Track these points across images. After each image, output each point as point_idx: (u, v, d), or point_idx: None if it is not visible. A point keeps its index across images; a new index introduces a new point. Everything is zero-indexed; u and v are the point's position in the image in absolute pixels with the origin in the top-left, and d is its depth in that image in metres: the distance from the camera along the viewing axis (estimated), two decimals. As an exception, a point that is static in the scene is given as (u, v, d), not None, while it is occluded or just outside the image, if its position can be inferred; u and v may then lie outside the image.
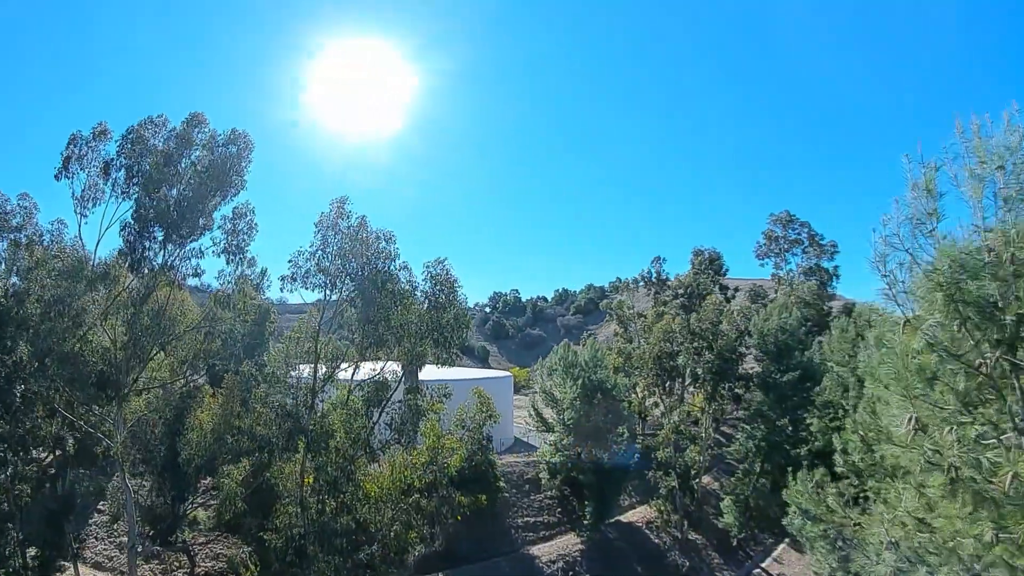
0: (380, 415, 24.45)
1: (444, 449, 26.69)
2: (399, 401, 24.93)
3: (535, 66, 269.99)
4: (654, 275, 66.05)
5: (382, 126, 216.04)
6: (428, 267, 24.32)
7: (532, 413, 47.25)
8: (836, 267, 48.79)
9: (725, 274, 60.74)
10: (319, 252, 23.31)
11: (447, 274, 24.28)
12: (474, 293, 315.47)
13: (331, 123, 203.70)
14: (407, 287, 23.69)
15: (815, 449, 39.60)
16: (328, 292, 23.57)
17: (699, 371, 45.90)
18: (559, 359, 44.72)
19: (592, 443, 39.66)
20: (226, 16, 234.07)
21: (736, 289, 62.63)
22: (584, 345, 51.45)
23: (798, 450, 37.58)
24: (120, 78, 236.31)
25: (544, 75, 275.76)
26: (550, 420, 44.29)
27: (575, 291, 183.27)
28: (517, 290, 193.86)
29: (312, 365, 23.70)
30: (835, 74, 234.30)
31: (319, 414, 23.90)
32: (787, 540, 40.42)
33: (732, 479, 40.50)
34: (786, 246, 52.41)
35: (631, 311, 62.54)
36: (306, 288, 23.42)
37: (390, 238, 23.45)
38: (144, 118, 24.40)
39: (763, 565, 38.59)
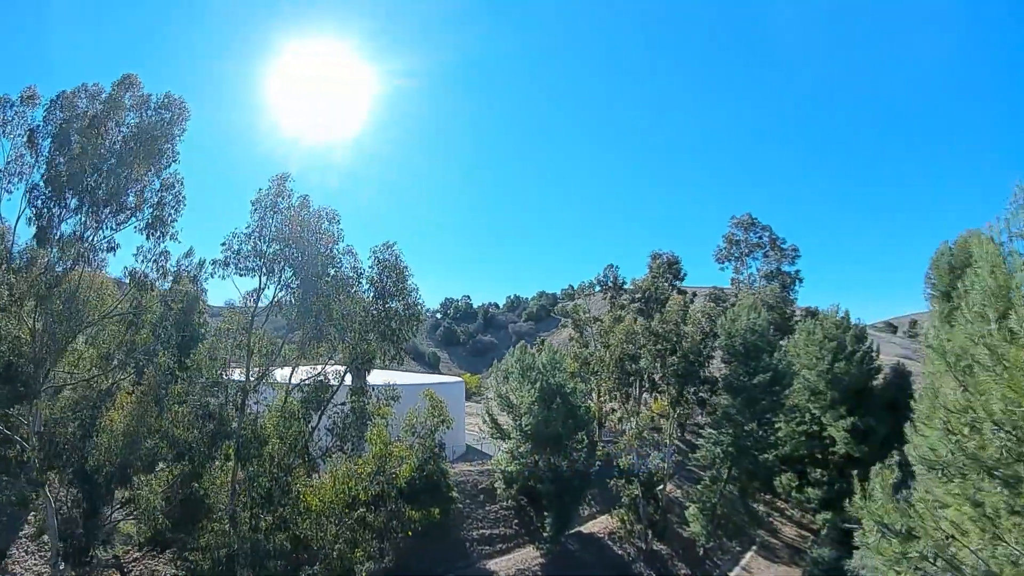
0: (320, 419, 21.72)
1: (393, 457, 24.17)
2: (342, 403, 22.20)
3: (490, 68, 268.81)
4: (610, 280, 64.37)
5: (342, 127, 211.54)
6: (375, 252, 21.79)
7: (486, 419, 44.66)
8: (798, 271, 47.89)
9: (683, 278, 59.37)
10: (255, 234, 20.62)
11: (396, 260, 21.77)
12: (426, 298, 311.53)
13: (290, 124, 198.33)
14: (351, 274, 21.05)
15: (783, 454, 38.33)
16: (264, 278, 20.79)
17: (663, 375, 44.20)
18: (515, 361, 42.29)
19: (551, 450, 37.27)
20: (182, 13, 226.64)
21: (694, 294, 61.38)
22: (540, 349, 49.43)
23: (767, 455, 36.12)
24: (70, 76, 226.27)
25: (500, 77, 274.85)
26: (506, 427, 41.79)
27: (527, 298, 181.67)
28: (468, 296, 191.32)
29: (245, 361, 20.90)
30: (798, 78, 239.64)
31: (251, 417, 21.06)
32: (754, 547, 38.84)
33: (698, 487, 38.74)
34: (747, 250, 51.26)
35: (587, 315, 60.70)
36: (239, 273, 20.67)
37: (333, 218, 20.85)
38: (79, 85, 21.31)
39: (731, 574, 36.85)
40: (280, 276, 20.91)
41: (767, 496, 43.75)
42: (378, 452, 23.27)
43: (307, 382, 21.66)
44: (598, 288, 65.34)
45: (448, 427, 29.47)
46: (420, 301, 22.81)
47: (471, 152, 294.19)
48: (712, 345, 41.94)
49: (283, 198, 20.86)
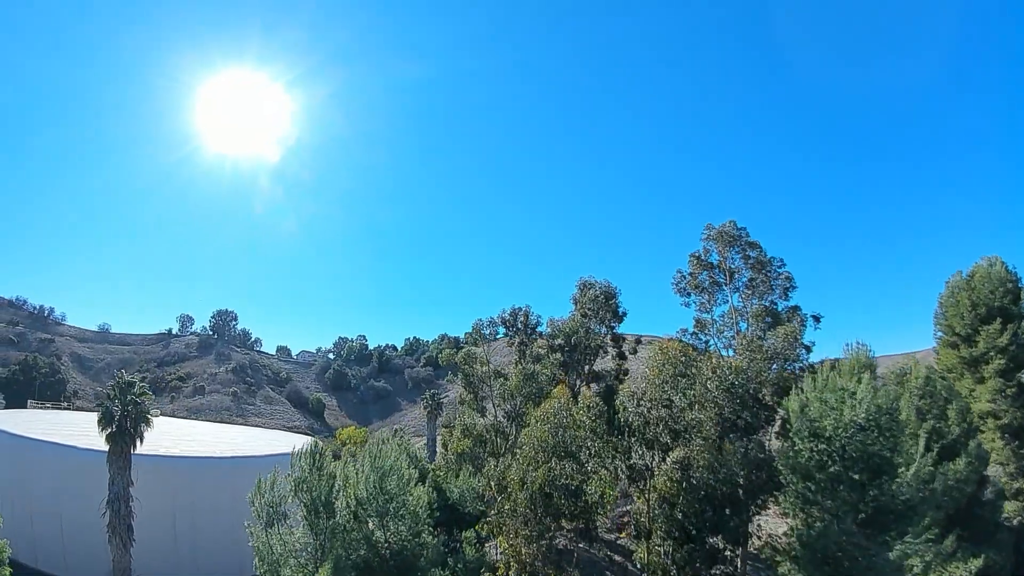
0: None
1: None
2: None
3: (398, 96, 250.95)
4: (520, 320, 45.51)
5: (264, 153, 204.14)
6: None
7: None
8: (796, 308, 30.48)
9: (623, 318, 41.44)
10: None
11: None
12: (317, 338, 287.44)
13: (213, 151, 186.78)
14: None
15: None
16: None
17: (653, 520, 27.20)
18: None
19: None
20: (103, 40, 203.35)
21: (638, 342, 43.27)
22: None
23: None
24: None
25: (411, 106, 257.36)
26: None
27: (427, 340, 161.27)
28: (364, 336, 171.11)
29: None
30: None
31: None
32: None
33: None
34: (725, 275, 33.72)
35: (485, 368, 41.56)
36: None
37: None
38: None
39: None
40: None
41: None
42: None
43: None
44: (501, 331, 46.40)
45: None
46: None
47: (380, 179, 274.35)
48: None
49: None
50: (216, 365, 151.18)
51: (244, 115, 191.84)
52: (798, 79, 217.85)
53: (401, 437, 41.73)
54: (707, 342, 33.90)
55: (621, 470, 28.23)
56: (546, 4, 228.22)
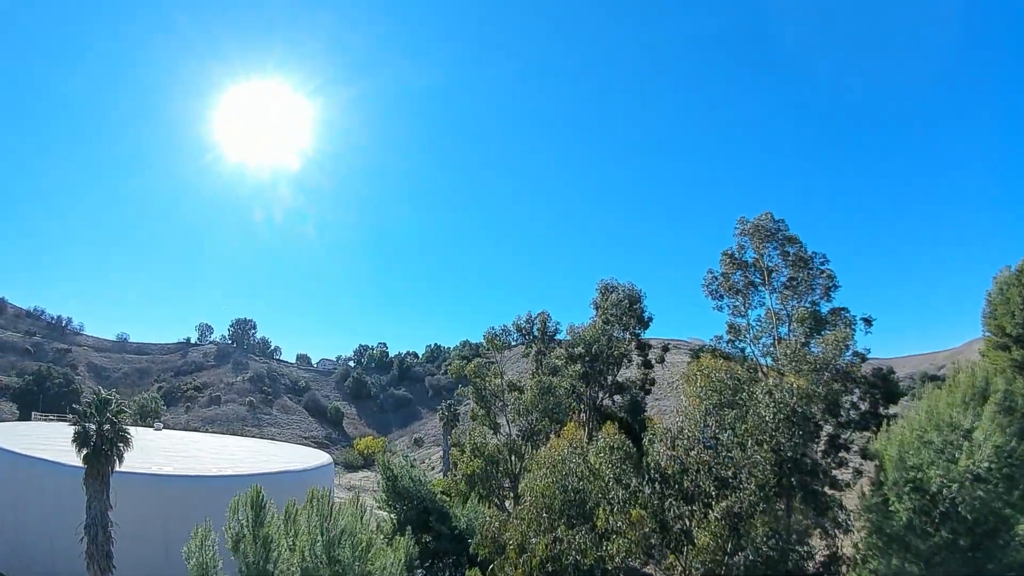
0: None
1: None
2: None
3: (421, 103, 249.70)
4: (537, 327, 42.39)
5: (284, 161, 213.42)
6: None
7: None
8: (866, 317, 27.03)
9: (649, 324, 38.17)
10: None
11: None
12: (338, 346, 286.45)
13: (233, 160, 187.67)
14: None
15: None
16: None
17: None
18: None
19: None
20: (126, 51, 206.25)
21: (665, 348, 39.96)
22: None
23: None
24: None
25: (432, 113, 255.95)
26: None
27: (449, 347, 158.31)
28: (385, 344, 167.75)
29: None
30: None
31: None
32: None
33: None
34: (758, 277, 30.45)
35: (499, 381, 38.57)
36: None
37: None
38: None
39: None
40: None
41: None
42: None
43: None
44: (516, 338, 43.21)
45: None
46: None
47: (404, 187, 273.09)
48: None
49: None
50: (233, 374, 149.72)
51: (263, 124, 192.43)
52: (813, 79, 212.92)
53: (405, 456, 38.89)
54: (743, 349, 30.67)
55: (650, 529, 21.41)
56: (558, 8, 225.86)
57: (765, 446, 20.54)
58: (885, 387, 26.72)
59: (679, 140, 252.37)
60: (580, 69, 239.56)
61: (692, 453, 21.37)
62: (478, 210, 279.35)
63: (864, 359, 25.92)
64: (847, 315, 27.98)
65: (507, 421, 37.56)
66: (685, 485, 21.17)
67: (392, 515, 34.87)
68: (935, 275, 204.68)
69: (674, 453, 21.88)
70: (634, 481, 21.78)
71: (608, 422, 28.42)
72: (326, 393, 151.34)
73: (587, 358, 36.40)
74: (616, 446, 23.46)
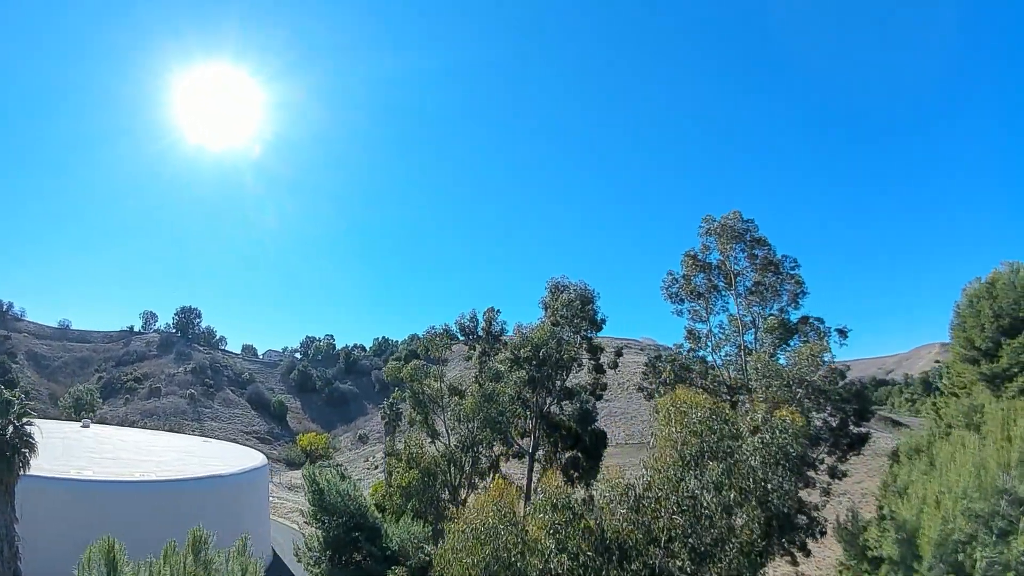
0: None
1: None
2: None
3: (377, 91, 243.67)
4: (481, 326, 39.12)
5: (238, 148, 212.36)
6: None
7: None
8: (841, 328, 24.34)
9: (602, 326, 35.23)
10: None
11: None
12: (288, 337, 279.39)
13: (186, 145, 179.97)
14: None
15: None
16: None
17: None
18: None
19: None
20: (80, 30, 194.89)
21: (619, 353, 37.01)
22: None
23: None
24: None
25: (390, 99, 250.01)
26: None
27: (397, 341, 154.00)
28: (332, 336, 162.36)
29: None
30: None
31: None
32: None
33: None
34: (723, 281, 27.67)
35: (438, 385, 35.24)
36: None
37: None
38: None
39: None
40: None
41: None
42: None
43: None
44: (460, 337, 39.84)
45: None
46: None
47: (362, 176, 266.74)
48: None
49: None
50: (175, 365, 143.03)
51: (219, 109, 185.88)
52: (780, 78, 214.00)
53: (336, 466, 35.19)
54: (704, 358, 27.94)
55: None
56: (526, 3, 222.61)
57: (753, 500, 16.70)
58: (859, 403, 24.22)
59: (641, 135, 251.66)
60: (544, 61, 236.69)
61: (662, 519, 16.59)
62: (434, 203, 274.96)
63: (843, 376, 23.34)
64: (820, 325, 25.44)
65: (447, 429, 34.28)
66: (653, 559, 16.60)
67: (320, 531, 31.60)
68: (886, 280, 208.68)
69: (638, 517, 16.98)
70: (583, 554, 16.51)
71: (549, 471, 25.02)
72: (271, 386, 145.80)
73: (534, 362, 33.31)
74: (561, 505, 17.52)
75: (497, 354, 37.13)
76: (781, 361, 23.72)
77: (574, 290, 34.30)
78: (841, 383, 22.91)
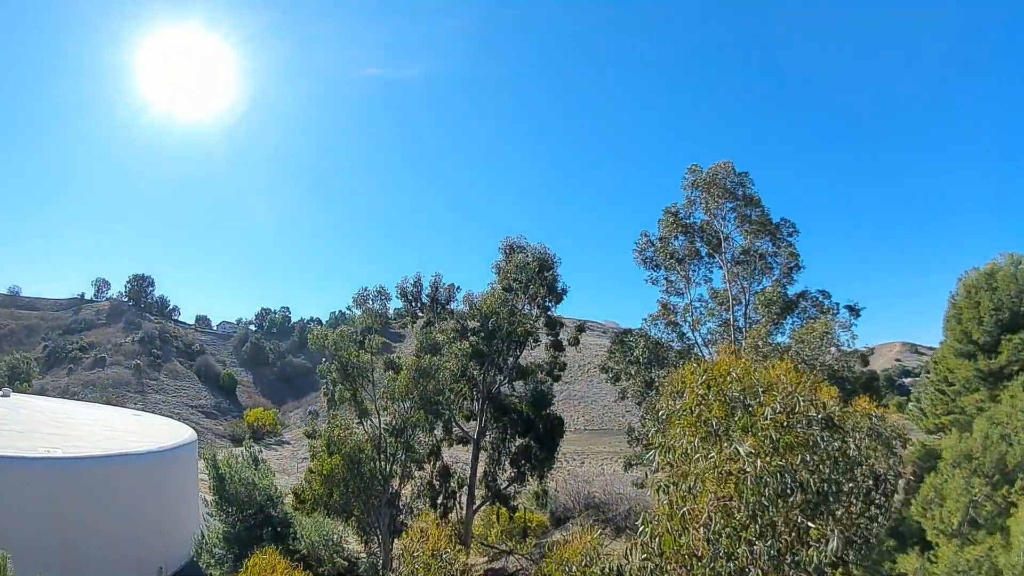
0: None
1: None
2: None
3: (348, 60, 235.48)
4: (426, 292, 34.17)
5: (207, 116, 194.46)
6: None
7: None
8: (852, 305, 19.87)
9: (563, 297, 30.48)
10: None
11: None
12: (244, 308, 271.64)
13: (159, 112, 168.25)
14: None
15: None
16: None
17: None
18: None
19: None
20: None
21: (581, 329, 32.17)
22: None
23: None
24: None
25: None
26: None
27: (354, 313, 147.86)
28: (288, 308, 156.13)
29: None
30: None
31: None
32: None
33: None
34: (706, 247, 23.01)
35: (368, 356, 30.23)
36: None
37: None
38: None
39: None
40: None
41: None
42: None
43: None
44: (400, 305, 34.89)
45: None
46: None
47: (324, 144, 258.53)
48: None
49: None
50: (124, 334, 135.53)
51: (179, 73, 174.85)
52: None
53: (248, 447, 30.04)
54: (682, 335, 23.30)
55: None
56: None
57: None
58: (870, 393, 19.94)
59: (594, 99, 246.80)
60: (515, 30, 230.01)
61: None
62: (395, 170, 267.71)
63: (865, 359, 18.93)
64: (824, 300, 20.89)
65: (376, 408, 29.34)
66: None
67: (223, 525, 26.72)
68: (846, 278, 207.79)
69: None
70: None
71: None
72: (222, 359, 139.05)
73: (483, 333, 28.47)
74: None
75: (443, 323, 32.26)
76: (778, 340, 19.19)
77: (531, 252, 29.43)
78: (860, 370, 18.45)
